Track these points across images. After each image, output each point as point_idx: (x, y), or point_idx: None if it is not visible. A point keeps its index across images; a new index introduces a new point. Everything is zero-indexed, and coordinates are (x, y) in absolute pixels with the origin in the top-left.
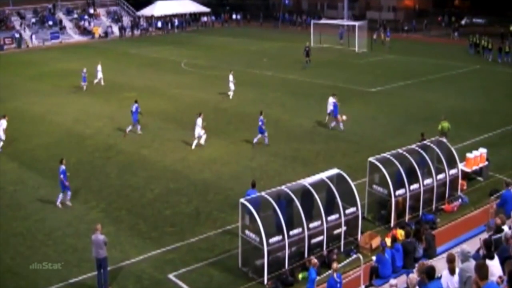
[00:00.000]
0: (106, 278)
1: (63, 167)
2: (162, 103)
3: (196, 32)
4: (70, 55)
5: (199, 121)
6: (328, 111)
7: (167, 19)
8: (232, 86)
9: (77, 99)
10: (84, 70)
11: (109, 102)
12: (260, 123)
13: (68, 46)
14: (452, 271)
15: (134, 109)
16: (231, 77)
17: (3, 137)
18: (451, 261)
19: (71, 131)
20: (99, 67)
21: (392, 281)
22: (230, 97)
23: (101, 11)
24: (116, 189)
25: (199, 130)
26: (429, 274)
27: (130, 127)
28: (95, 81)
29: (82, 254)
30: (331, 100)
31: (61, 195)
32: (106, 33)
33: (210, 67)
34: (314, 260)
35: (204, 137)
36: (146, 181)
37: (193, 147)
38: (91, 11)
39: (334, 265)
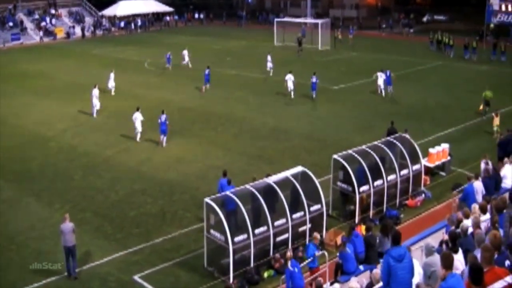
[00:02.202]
0: (75, 265)
1: (165, 115)
2: (126, 103)
3: (159, 31)
4: (32, 57)
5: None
6: None
7: (130, 19)
8: (270, 65)
9: (39, 101)
10: (169, 53)
11: (72, 103)
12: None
13: (30, 47)
14: None
15: (207, 72)
16: (269, 57)
17: (139, 129)
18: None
19: (34, 133)
20: (186, 52)
21: (353, 283)
22: (271, 74)
23: (62, 11)
24: (81, 191)
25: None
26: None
27: (208, 85)
28: (183, 63)
29: (47, 258)
30: None
31: (165, 138)
32: (68, 34)
33: (173, 66)
34: (317, 235)
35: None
36: (111, 182)
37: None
38: (53, 11)
39: (288, 253)
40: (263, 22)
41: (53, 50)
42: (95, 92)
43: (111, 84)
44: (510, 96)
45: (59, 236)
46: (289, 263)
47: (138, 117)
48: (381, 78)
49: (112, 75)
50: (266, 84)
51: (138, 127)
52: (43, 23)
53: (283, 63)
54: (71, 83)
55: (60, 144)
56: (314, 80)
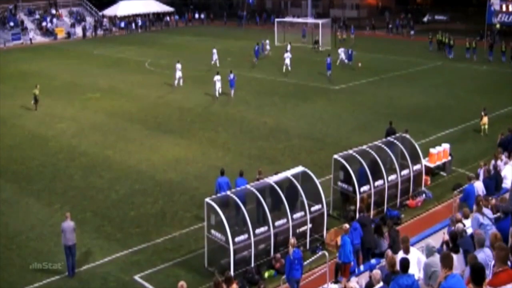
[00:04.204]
0: (75, 264)
1: (233, 74)
2: (126, 104)
3: (159, 32)
4: (32, 56)
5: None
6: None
7: (130, 19)
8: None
9: (39, 101)
10: (257, 46)
11: (72, 103)
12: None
13: (30, 47)
14: (406, 250)
15: (256, 48)
16: (288, 48)
17: (219, 89)
18: (404, 241)
19: (33, 133)
20: (268, 42)
21: (353, 284)
22: (289, 68)
23: (63, 11)
24: (81, 191)
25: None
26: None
27: (256, 60)
28: (266, 53)
29: (47, 258)
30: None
31: (233, 91)
32: (68, 34)
33: (174, 66)
34: (346, 226)
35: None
36: (111, 182)
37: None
38: (53, 11)
39: (292, 240)
40: (263, 23)
41: (53, 50)
42: (178, 66)
43: (215, 57)
44: (509, 96)
45: (60, 234)
46: (291, 251)
47: (218, 79)
48: (342, 54)
49: (178, 65)
50: (266, 84)
51: (218, 87)
52: (43, 23)
53: (283, 62)
54: (71, 83)
55: (60, 144)
56: (328, 61)
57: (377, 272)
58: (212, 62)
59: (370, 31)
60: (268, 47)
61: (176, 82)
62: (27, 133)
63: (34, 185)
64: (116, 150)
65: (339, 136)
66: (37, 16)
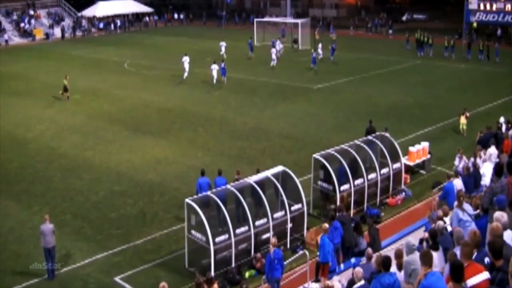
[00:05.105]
0: (54, 266)
1: (223, 63)
2: (106, 105)
3: (139, 32)
4: (11, 58)
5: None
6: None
7: (109, 20)
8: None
9: (18, 103)
10: (250, 41)
11: (51, 105)
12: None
13: (7, 49)
14: (399, 267)
15: (249, 42)
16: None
17: (215, 76)
18: (398, 256)
19: (12, 135)
20: (278, 41)
21: (335, 282)
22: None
23: (41, 12)
24: (60, 193)
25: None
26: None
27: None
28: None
29: (26, 261)
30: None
31: (225, 78)
32: (47, 35)
33: (153, 67)
34: (325, 225)
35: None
36: (91, 184)
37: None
38: (31, 12)
39: (272, 240)
40: (243, 22)
41: (32, 51)
42: (186, 58)
43: (223, 49)
44: (486, 94)
45: (39, 237)
46: (271, 250)
47: (215, 68)
48: (319, 50)
49: (186, 58)
50: (245, 84)
51: (215, 75)
52: (21, 24)
53: (263, 62)
54: (50, 84)
55: (39, 146)
56: (314, 55)
57: (359, 270)
58: (221, 53)
59: (353, 31)
60: (278, 46)
61: (185, 75)
62: (6, 135)
63: (13, 187)
64: (95, 152)
65: (319, 136)
66: (15, 17)
